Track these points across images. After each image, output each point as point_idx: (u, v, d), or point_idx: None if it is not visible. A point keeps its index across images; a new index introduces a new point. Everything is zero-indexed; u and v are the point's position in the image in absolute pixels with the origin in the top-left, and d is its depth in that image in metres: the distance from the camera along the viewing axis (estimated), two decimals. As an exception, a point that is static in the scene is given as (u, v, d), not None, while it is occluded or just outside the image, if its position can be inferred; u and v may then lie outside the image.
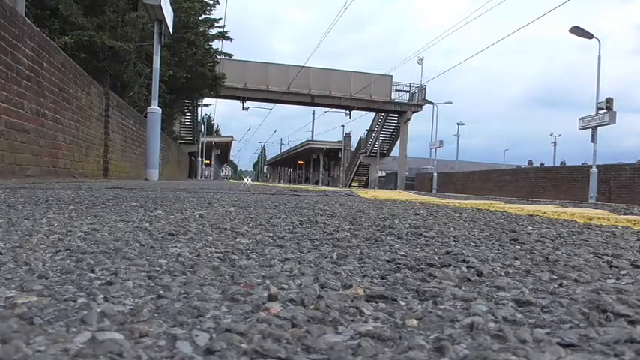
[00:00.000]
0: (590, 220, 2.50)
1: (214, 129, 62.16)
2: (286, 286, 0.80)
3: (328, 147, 54.52)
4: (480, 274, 0.95)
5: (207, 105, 37.25)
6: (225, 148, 60.64)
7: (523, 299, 0.75)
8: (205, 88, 21.71)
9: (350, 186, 39.92)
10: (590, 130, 17.69)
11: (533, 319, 0.65)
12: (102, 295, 0.70)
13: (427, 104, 34.32)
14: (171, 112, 20.80)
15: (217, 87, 22.35)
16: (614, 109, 16.96)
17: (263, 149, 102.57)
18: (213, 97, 27.50)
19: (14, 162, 5.54)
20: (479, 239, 1.52)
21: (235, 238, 1.38)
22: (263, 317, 0.62)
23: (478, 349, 0.53)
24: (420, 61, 33.60)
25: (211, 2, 18.45)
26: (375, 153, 39.94)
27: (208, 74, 20.06)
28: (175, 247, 1.17)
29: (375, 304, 0.72)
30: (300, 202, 3.49)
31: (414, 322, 0.63)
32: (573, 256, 1.21)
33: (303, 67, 32.91)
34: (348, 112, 37.07)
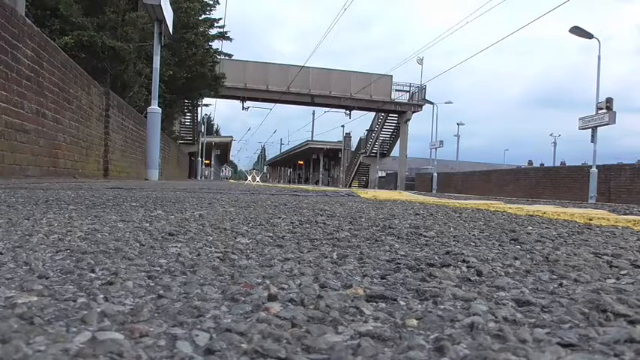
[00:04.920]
0: (590, 220, 2.50)
1: (214, 129, 62.12)
2: (286, 286, 0.80)
3: (328, 147, 54.46)
4: (479, 274, 0.95)
5: (207, 105, 37.24)
6: (225, 148, 60.59)
7: (523, 299, 0.75)
8: (205, 88, 21.73)
9: (350, 186, 39.91)
10: (590, 130, 17.68)
11: (533, 319, 0.65)
12: (102, 295, 0.70)
13: (427, 104, 34.32)
14: (171, 112, 20.80)
15: (217, 87, 22.37)
16: (614, 109, 16.96)
17: (263, 149, 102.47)
18: (213, 97, 27.50)
19: (14, 162, 5.54)
20: (479, 239, 1.52)
21: (235, 238, 1.38)
22: (263, 317, 0.62)
23: (478, 349, 0.53)
24: (420, 61, 33.58)
25: (211, 2, 18.47)
26: (375, 153, 39.92)
27: (208, 74, 20.07)
28: (175, 247, 1.17)
29: (375, 304, 0.72)
30: (300, 202, 3.49)
31: (414, 322, 0.63)
32: (573, 256, 1.21)
33: (303, 67, 32.89)
34: (348, 112, 37.07)
